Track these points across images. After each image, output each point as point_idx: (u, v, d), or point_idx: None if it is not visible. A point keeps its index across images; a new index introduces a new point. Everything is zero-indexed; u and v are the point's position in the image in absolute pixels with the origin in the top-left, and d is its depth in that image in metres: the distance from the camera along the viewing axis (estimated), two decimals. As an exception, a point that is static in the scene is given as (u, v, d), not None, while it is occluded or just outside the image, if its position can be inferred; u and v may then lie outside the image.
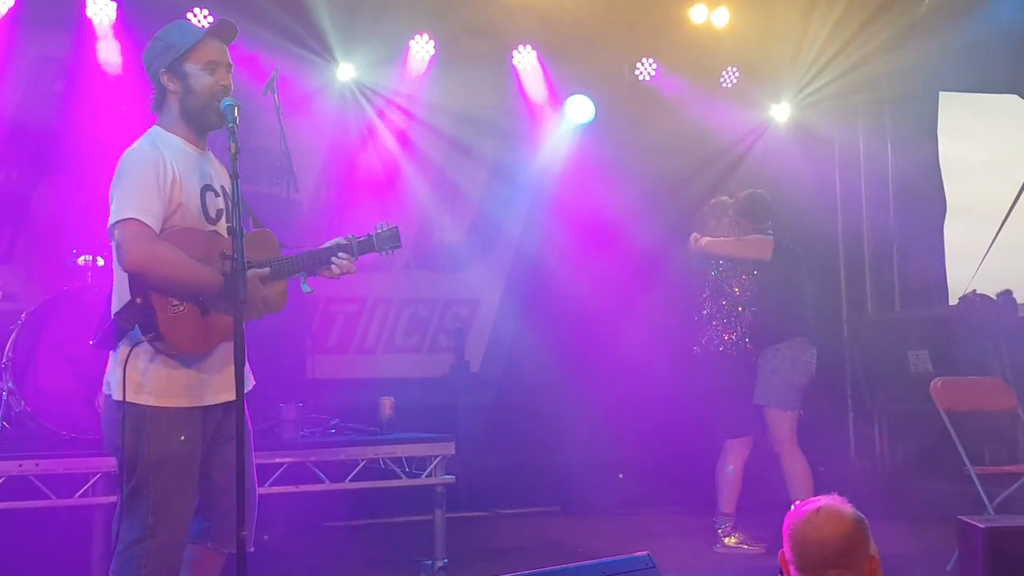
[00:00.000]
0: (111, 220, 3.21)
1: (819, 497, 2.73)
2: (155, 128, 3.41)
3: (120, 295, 3.29)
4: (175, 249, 3.21)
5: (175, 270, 3.19)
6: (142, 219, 3.18)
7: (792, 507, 2.72)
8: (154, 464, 3.24)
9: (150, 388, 3.26)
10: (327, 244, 3.61)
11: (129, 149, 3.32)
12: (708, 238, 6.05)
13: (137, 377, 3.25)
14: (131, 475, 3.27)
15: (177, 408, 3.29)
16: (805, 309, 6.05)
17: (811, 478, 5.88)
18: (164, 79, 3.36)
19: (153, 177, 3.23)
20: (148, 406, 3.26)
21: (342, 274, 3.57)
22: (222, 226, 3.38)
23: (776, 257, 5.94)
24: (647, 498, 7.21)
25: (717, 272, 6.05)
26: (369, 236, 3.67)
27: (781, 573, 2.70)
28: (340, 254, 3.55)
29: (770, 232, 6.05)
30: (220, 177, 3.48)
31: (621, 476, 7.36)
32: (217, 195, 3.42)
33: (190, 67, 3.35)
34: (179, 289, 3.22)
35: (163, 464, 3.26)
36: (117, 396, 3.27)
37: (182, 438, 3.28)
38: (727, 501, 5.96)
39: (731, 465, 5.94)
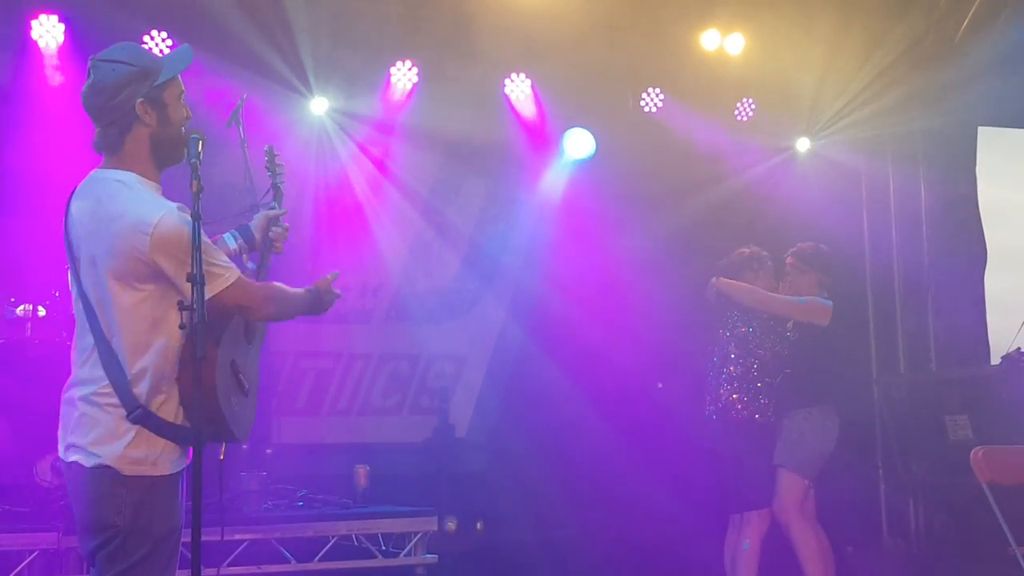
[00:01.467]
0: (215, 290, 3.22)
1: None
2: (130, 175, 3.30)
3: (142, 358, 3.21)
4: (270, 285, 3.48)
5: (285, 305, 3.53)
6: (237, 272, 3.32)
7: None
8: (159, 538, 3.21)
9: (154, 459, 3.24)
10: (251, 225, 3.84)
11: (157, 207, 3.22)
12: (762, 292, 6.05)
13: (143, 452, 3.22)
14: (131, 553, 3.19)
15: (171, 475, 3.28)
16: (837, 375, 6.15)
17: (828, 553, 5.89)
18: (140, 109, 3.29)
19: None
20: (156, 476, 3.23)
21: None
22: None
23: (831, 324, 6.03)
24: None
25: (752, 331, 6.04)
26: (276, 187, 3.98)
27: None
28: (274, 228, 3.83)
29: (827, 296, 6.11)
30: None
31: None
32: None
33: (168, 96, 3.34)
34: (293, 315, 3.57)
35: (168, 536, 3.25)
36: (115, 466, 3.20)
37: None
38: None
39: (747, 540, 5.91)
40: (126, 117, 3.29)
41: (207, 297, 3.12)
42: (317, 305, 3.61)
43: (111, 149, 3.34)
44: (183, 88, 3.39)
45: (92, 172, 3.37)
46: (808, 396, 5.98)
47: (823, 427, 5.98)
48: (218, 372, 3.27)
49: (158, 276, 3.21)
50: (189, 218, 3.18)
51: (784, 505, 5.92)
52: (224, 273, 3.27)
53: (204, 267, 3.14)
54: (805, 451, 5.94)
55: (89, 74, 3.34)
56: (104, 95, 3.29)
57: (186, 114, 3.38)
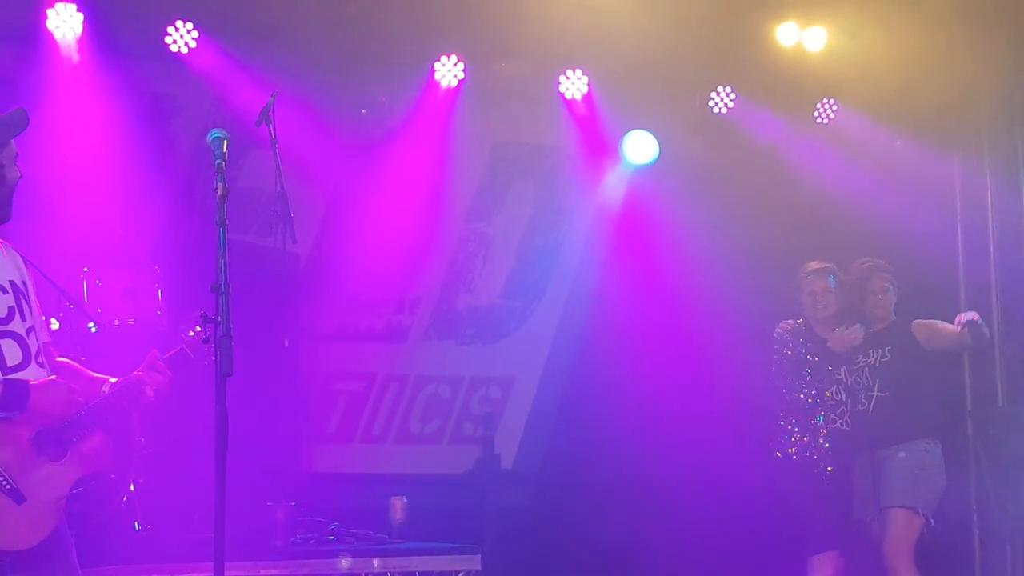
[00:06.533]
0: None
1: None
2: None
3: None
4: None
5: None
6: None
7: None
8: None
9: None
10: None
11: None
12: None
13: None
14: None
15: None
16: (943, 403, 6.33)
17: None
18: None
19: None
20: None
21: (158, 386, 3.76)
22: (17, 325, 3.56)
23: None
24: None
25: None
26: (182, 349, 3.88)
27: None
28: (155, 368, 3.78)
29: None
30: (7, 270, 3.63)
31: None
32: (4, 292, 3.58)
33: (5, 157, 3.62)
34: None
35: None
36: None
37: None
38: None
39: None
40: None
41: None
42: (11, 403, 3.48)
43: None
44: (16, 151, 3.66)
45: None
46: (921, 426, 6.04)
47: (940, 460, 6.05)
48: None
49: None
50: None
51: (901, 547, 5.91)
52: None
53: None
54: (927, 486, 5.99)
55: None
56: None
57: (18, 174, 3.66)
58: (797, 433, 6.02)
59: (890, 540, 5.94)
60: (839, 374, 6.06)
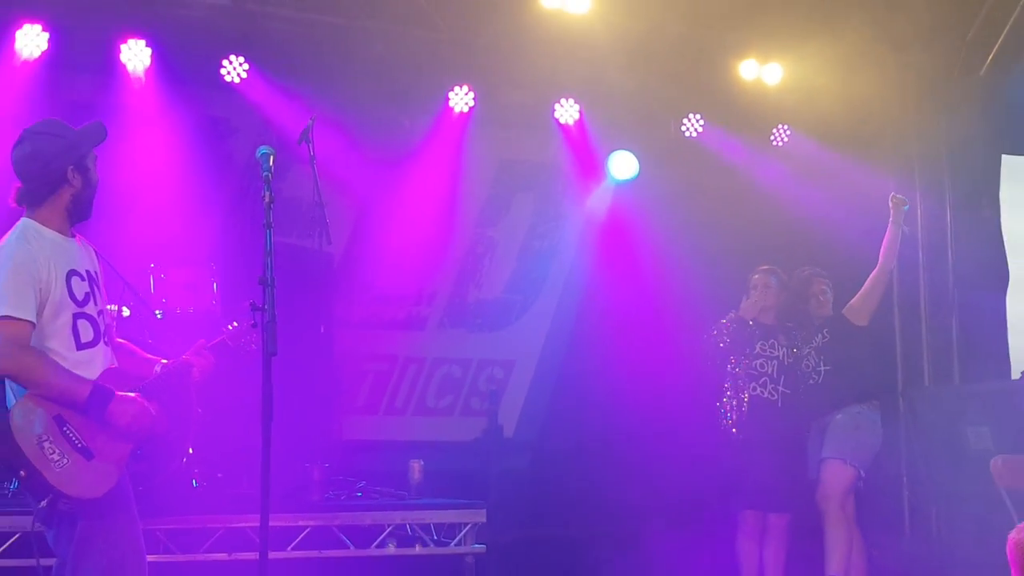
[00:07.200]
0: None
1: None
2: (28, 223, 3.61)
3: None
4: (42, 355, 3.47)
5: (45, 376, 3.45)
6: (18, 316, 3.42)
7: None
8: None
9: None
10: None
11: (4, 246, 3.55)
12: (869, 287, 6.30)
13: None
14: None
15: None
16: (879, 374, 6.42)
17: (858, 553, 5.88)
18: (70, 175, 3.62)
19: (29, 272, 3.47)
20: None
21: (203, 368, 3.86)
22: (91, 308, 3.62)
23: (870, 323, 6.34)
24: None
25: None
26: (222, 339, 3.98)
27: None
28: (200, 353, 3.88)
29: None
30: (84, 261, 3.69)
31: None
32: (82, 279, 3.64)
33: (90, 162, 3.69)
34: (47, 393, 3.45)
35: None
36: None
37: None
38: None
39: (741, 543, 6.00)
40: (56, 180, 3.61)
41: None
42: (93, 406, 3.49)
43: (33, 203, 3.64)
44: (96, 156, 3.70)
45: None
46: (856, 394, 6.09)
47: (873, 423, 6.09)
48: (21, 413, 3.42)
49: None
50: (26, 252, 3.47)
51: (830, 493, 5.91)
52: None
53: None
54: (859, 442, 6.02)
55: (24, 142, 3.63)
56: (41, 161, 3.61)
57: (98, 178, 3.71)
58: (721, 401, 6.05)
59: (821, 488, 6.00)
60: (774, 352, 6.07)
